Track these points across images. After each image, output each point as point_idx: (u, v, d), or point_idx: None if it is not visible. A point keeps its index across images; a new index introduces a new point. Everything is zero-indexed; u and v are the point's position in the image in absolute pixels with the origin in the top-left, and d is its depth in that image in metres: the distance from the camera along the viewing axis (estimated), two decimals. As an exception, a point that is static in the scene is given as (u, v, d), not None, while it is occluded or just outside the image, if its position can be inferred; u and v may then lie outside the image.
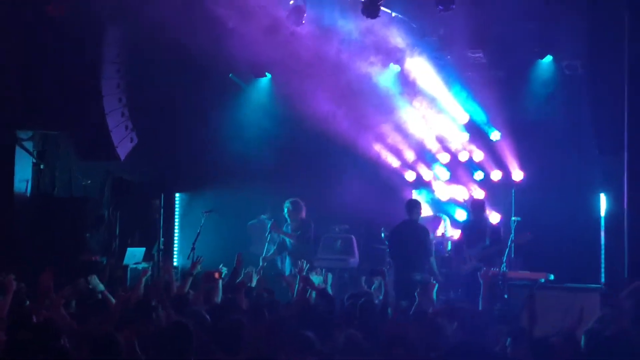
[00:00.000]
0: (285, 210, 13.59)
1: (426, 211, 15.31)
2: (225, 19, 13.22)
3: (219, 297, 9.47)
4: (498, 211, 14.61)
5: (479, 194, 15.11)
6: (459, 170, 15.70)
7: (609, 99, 12.54)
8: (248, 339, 7.29)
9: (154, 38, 13.90)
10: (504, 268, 11.77)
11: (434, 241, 13.83)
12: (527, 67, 14.81)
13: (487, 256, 12.50)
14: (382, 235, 14.52)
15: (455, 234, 14.63)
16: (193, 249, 13.99)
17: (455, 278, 12.99)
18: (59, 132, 14.71)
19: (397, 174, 15.96)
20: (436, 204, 15.73)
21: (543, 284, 11.91)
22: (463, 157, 15.69)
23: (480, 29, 13.81)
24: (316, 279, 10.13)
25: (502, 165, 15.18)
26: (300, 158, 15.72)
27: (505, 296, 11.64)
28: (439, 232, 14.77)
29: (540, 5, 12.19)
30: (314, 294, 9.42)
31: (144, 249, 15.05)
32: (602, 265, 13.50)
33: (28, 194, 14.51)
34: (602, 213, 13.59)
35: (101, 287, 9.42)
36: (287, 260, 13.67)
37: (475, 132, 15.61)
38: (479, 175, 15.43)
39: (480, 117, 15.45)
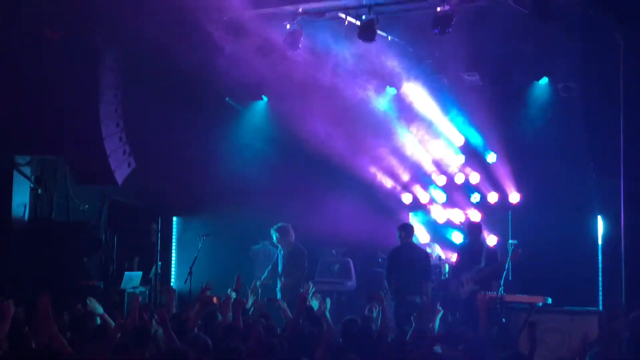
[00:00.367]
0: (274, 239, 13.50)
1: (422, 235, 15.37)
2: (222, 42, 13.26)
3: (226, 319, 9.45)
4: (495, 234, 14.61)
5: (476, 216, 15.13)
6: (455, 192, 15.74)
7: (605, 121, 12.59)
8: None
9: (151, 62, 13.98)
10: (502, 292, 11.74)
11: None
12: (523, 89, 14.87)
13: (484, 278, 12.49)
14: (380, 258, 14.53)
15: (450, 255, 14.65)
16: (190, 272, 13.98)
17: (453, 301, 12.97)
18: (56, 156, 14.72)
19: (394, 197, 16.00)
20: (433, 227, 15.75)
21: (541, 307, 11.88)
22: (459, 179, 15.72)
23: (476, 52, 13.87)
24: (315, 303, 10.12)
25: (498, 188, 15.21)
26: (297, 181, 15.70)
27: (503, 320, 11.61)
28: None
29: (535, 27, 12.24)
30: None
31: (141, 273, 15.01)
32: (600, 288, 13.49)
33: (26, 219, 14.52)
34: (600, 235, 13.59)
35: (100, 309, 9.40)
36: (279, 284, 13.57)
37: (472, 154, 15.66)
38: (475, 197, 15.46)
39: (477, 139, 15.50)
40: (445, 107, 15.55)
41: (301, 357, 7.40)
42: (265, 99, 16.54)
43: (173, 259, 16.92)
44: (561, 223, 13.97)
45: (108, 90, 14.28)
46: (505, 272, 11.96)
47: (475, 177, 15.54)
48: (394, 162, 15.95)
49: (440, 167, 15.89)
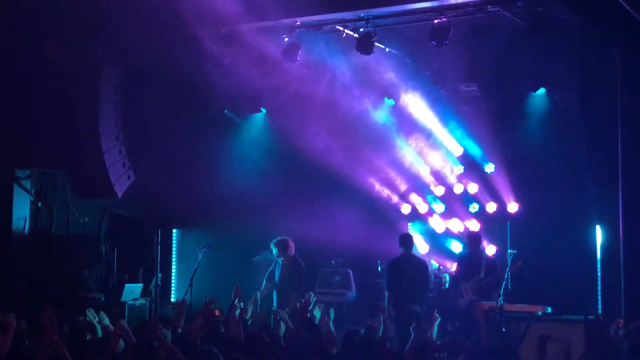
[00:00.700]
0: (275, 253, 13.45)
1: (421, 245, 15.42)
2: (220, 55, 13.31)
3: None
4: (494, 243, 14.65)
5: (475, 226, 15.18)
6: (454, 202, 15.77)
7: (603, 131, 12.64)
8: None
9: (150, 75, 14.07)
10: (501, 301, 11.78)
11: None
12: (520, 99, 14.89)
13: (482, 288, 12.52)
14: (379, 268, 14.56)
15: (450, 265, 14.71)
16: (191, 284, 13.99)
17: (452, 311, 13.00)
18: (56, 170, 14.79)
19: (393, 207, 16.04)
20: (431, 237, 15.80)
21: (540, 316, 11.91)
22: (458, 189, 15.77)
23: (474, 63, 13.91)
24: (317, 313, 10.15)
25: (497, 198, 15.24)
26: (297, 192, 15.76)
27: (503, 329, 11.64)
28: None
29: (533, 38, 12.30)
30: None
31: (141, 285, 15.05)
32: (599, 297, 13.52)
33: (26, 232, 14.59)
34: (598, 245, 13.63)
35: (106, 320, 9.44)
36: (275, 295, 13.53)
37: (470, 164, 15.70)
38: (474, 207, 15.50)
39: (475, 149, 15.55)
40: (443, 118, 15.59)
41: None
42: (263, 111, 16.59)
43: (173, 270, 16.95)
44: (560, 232, 14.01)
45: (107, 103, 14.34)
46: (504, 282, 12.00)
47: (473, 187, 15.58)
48: (392, 172, 16.00)
49: (438, 177, 15.94)
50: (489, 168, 15.39)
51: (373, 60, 13.83)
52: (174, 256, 17.02)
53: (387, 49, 13.88)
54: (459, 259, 13.85)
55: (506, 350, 9.49)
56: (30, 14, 12.62)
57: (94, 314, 9.71)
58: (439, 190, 15.93)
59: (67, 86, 13.84)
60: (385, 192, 16.01)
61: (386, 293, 12.82)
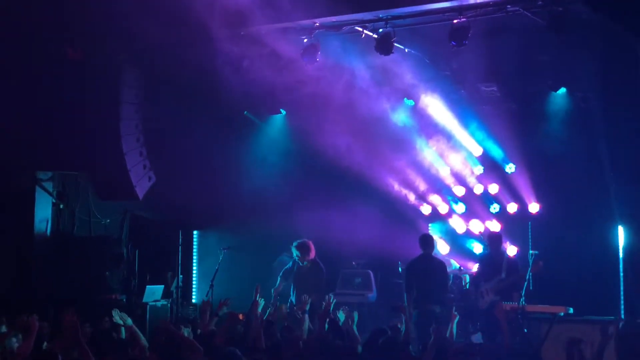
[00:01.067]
0: (295, 256, 13.37)
1: (441, 245, 15.39)
2: (240, 57, 13.35)
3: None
4: (515, 244, 14.59)
5: (495, 226, 15.13)
6: (474, 203, 15.75)
7: (625, 131, 12.58)
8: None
9: (170, 78, 14.12)
10: (523, 302, 11.73)
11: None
12: (541, 99, 14.82)
13: (504, 289, 12.47)
14: (400, 269, 14.55)
15: (471, 266, 14.67)
16: (212, 285, 14.04)
17: (474, 312, 12.96)
18: (78, 172, 14.88)
19: (413, 208, 16.02)
20: (452, 237, 15.77)
21: (563, 317, 11.85)
22: (478, 190, 15.73)
23: (494, 63, 13.86)
24: (341, 315, 10.15)
25: (517, 198, 15.19)
26: (317, 193, 15.73)
27: (525, 330, 11.60)
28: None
29: (553, 37, 12.24)
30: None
31: (162, 286, 15.10)
32: (622, 297, 13.44)
33: (48, 234, 14.70)
34: (620, 245, 13.55)
35: (129, 321, 9.49)
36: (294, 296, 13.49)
37: (490, 164, 15.66)
38: (494, 208, 15.45)
39: (495, 149, 15.50)
40: (463, 118, 15.56)
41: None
42: (283, 112, 16.62)
43: (194, 272, 17.00)
44: (581, 233, 13.92)
45: (128, 106, 14.42)
46: (526, 283, 11.95)
47: (494, 188, 15.55)
48: (412, 173, 15.98)
49: (459, 178, 15.91)
50: (510, 168, 15.35)
51: (392, 61, 13.81)
52: (194, 257, 17.07)
53: (406, 50, 13.85)
54: (480, 259, 13.82)
55: (528, 351, 9.48)
56: (51, 19, 12.71)
57: (126, 316, 9.75)
58: (460, 191, 15.90)
59: (88, 89, 13.94)
60: (406, 192, 15.98)
61: (405, 294, 12.80)
